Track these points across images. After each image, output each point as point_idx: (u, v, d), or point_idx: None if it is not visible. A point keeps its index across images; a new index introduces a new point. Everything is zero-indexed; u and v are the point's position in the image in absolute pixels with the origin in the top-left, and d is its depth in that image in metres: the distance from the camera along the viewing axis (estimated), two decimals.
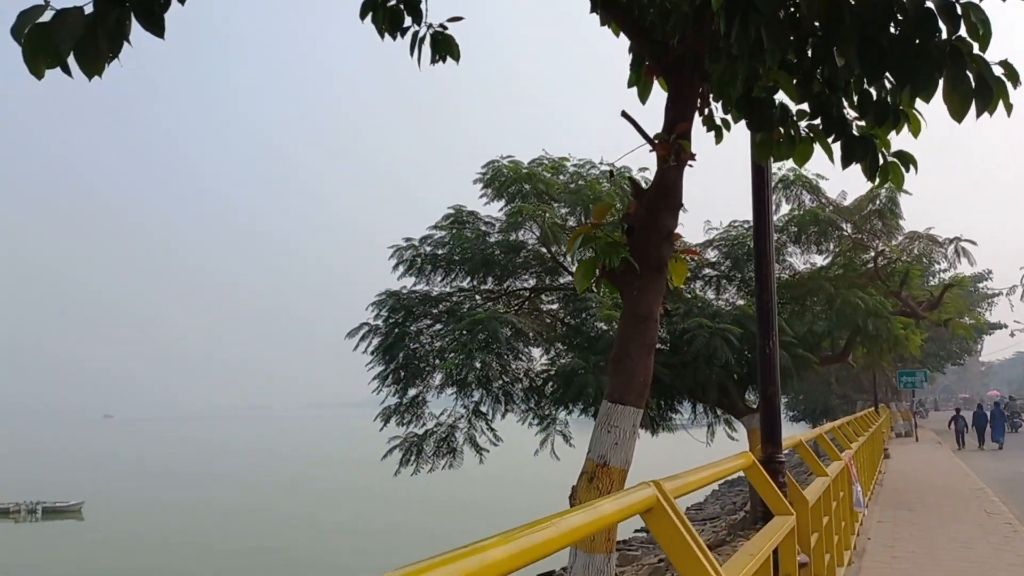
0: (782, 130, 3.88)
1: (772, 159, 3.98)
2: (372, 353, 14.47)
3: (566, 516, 1.89)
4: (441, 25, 4.29)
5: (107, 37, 2.80)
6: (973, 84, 3.46)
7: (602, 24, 4.60)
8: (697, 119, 4.77)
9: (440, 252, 14.76)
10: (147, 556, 26.14)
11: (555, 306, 15.81)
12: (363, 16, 4.13)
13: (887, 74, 3.70)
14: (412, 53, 4.22)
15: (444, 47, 4.29)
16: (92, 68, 2.81)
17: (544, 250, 14.50)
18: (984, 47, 3.51)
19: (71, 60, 2.73)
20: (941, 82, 3.66)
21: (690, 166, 4.45)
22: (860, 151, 4.62)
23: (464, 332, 13.18)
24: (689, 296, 14.48)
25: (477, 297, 15.38)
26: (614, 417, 4.53)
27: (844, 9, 3.52)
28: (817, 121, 3.92)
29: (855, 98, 4.52)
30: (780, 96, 4.17)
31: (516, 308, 15.16)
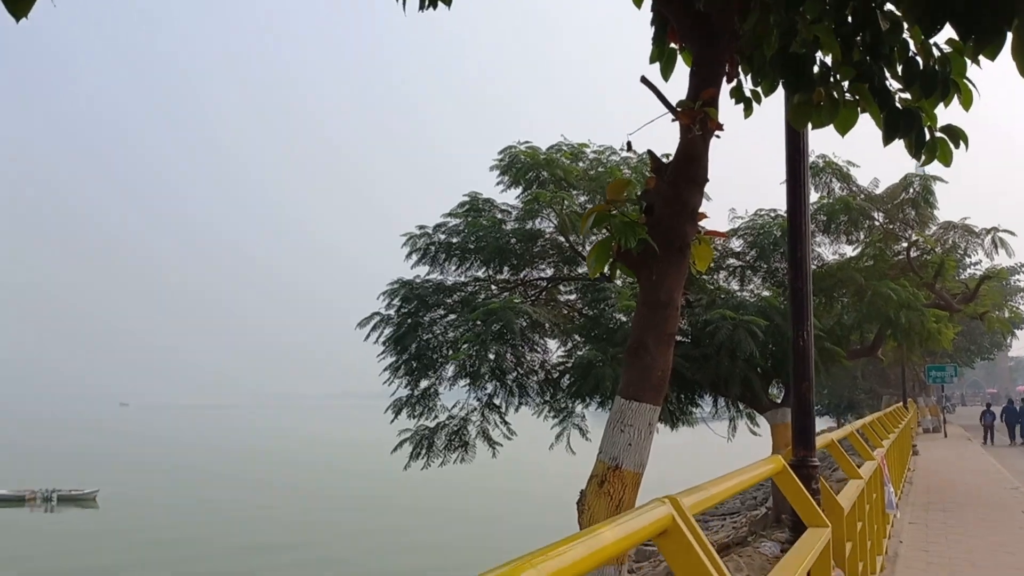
0: (823, 92, 3.41)
1: (811, 126, 3.51)
2: (384, 343, 14.13)
3: (554, 553, 1.48)
4: None
5: None
6: None
7: None
8: (725, 91, 4.33)
9: (455, 240, 14.35)
10: (162, 539, 26.23)
11: (573, 296, 15.37)
12: None
13: (947, 25, 3.22)
14: None
15: None
16: (19, 8, 2.43)
17: (562, 239, 14.06)
18: None
19: None
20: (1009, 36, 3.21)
21: (717, 137, 4.00)
22: (905, 125, 4.15)
23: (478, 322, 12.78)
24: (712, 287, 13.98)
25: (493, 287, 14.97)
26: (628, 415, 4.10)
27: None
28: (863, 84, 3.44)
29: (899, 68, 4.10)
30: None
31: (533, 298, 14.75)
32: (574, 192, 13.90)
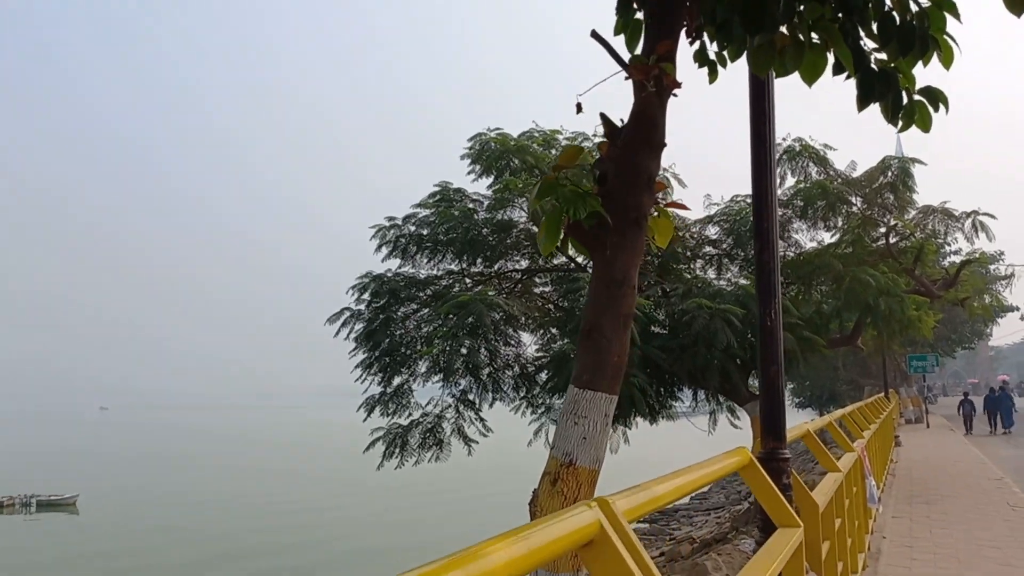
0: (787, 34, 3.03)
1: (774, 73, 3.12)
2: (355, 340, 13.70)
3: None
4: None
5: None
6: None
7: None
8: (688, 54, 3.94)
9: (425, 232, 13.91)
10: (143, 546, 25.64)
11: (548, 288, 14.99)
12: None
13: None
14: None
15: None
16: None
17: (534, 228, 13.66)
18: None
19: None
20: None
21: (674, 95, 3.61)
22: (880, 88, 3.81)
23: (449, 316, 12.36)
24: (689, 276, 13.65)
25: (467, 280, 14.56)
26: (583, 406, 3.72)
27: None
28: (833, 20, 3.06)
29: (873, 26, 3.75)
30: None
31: (508, 291, 14.35)
32: None
